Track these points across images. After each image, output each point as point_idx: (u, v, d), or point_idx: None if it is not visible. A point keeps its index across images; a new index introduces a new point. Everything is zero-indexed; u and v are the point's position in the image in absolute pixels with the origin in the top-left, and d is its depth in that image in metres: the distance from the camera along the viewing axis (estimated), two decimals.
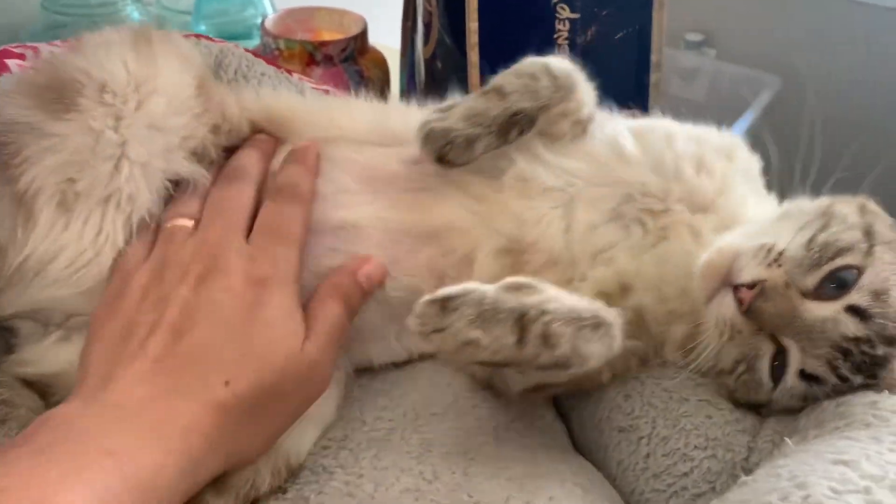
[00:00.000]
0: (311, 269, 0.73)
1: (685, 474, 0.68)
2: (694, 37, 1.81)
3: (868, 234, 0.68)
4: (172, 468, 0.56)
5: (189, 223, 0.72)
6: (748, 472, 0.66)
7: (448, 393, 0.75)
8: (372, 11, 1.34)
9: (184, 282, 0.66)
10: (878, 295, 0.65)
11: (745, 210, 0.76)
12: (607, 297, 0.73)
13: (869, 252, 0.67)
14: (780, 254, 0.67)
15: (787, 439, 0.65)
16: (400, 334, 0.78)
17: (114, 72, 0.73)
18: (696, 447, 0.69)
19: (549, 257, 0.75)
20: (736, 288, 0.67)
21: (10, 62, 0.84)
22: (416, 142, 0.74)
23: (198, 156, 0.77)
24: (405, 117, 0.82)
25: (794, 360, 0.66)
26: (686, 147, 0.77)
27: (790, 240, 0.67)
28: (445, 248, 0.76)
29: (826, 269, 0.66)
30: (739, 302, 0.66)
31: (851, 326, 0.65)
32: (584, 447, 0.77)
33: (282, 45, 1.24)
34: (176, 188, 0.75)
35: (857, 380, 0.66)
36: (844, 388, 0.66)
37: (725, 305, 0.68)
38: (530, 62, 0.77)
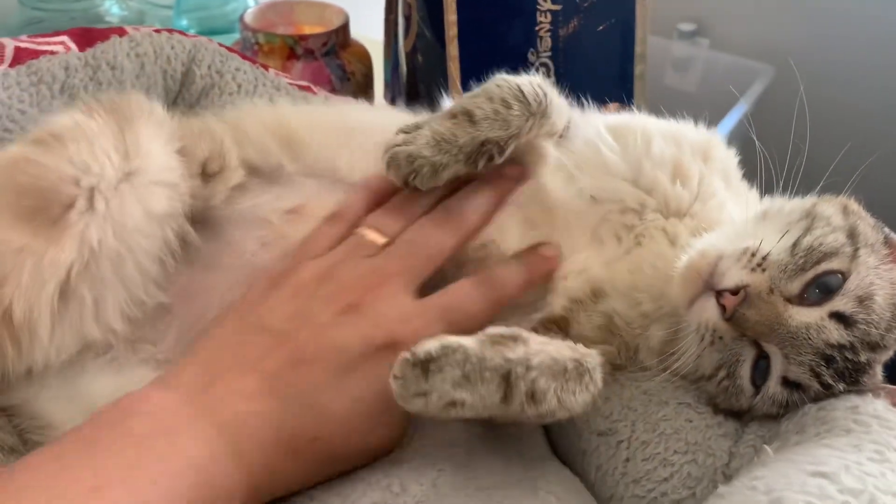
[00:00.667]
0: None
1: (665, 479, 0.66)
2: (687, 26, 1.79)
3: (852, 236, 0.67)
4: (239, 492, 0.57)
5: (380, 240, 0.70)
6: (729, 477, 0.64)
7: None
8: (356, 4, 1.32)
9: (332, 305, 0.65)
10: (862, 301, 0.64)
11: (722, 215, 0.74)
12: (578, 302, 0.72)
13: (854, 256, 0.65)
14: (764, 258, 0.65)
15: (766, 447, 0.63)
16: None
17: (103, 173, 0.68)
18: (676, 452, 0.67)
19: None
20: (718, 293, 0.65)
21: None
22: (381, 164, 0.71)
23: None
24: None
25: (777, 367, 0.65)
26: (663, 151, 0.75)
27: (774, 243, 0.65)
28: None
29: (810, 274, 0.64)
30: (722, 308, 0.64)
31: (835, 333, 0.63)
32: (563, 452, 0.75)
33: (261, 39, 1.22)
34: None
35: (840, 387, 0.64)
36: (827, 395, 0.65)
37: (707, 311, 0.66)
38: (502, 84, 0.72)
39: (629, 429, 0.69)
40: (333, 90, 1.19)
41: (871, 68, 1.64)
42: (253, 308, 0.67)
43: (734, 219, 0.73)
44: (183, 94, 0.89)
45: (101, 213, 0.67)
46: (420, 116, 0.77)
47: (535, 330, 0.70)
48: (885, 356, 0.67)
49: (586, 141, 0.76)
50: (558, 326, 0.72)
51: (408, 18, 1.11)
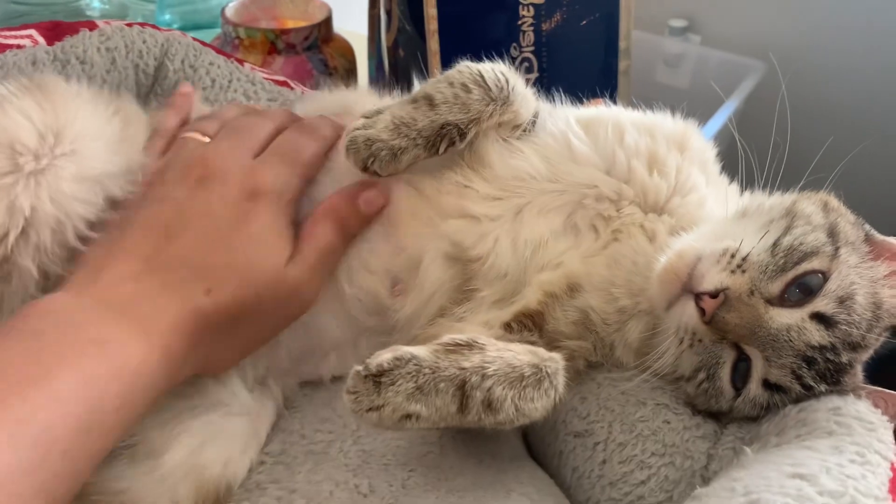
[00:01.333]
0: None
1: (642, 482, 0.65)
2: (678, 23, 1.78)
3: (833, 234, 0.65)
4: (155, 363, 0.58)
5: (204, 138, 0.73)
6: (707, 480, 0.63)
7: None
8: None
9: (183, 183, 0.68)
10: (843, 301, 0.63)
11: (702, 212, 0.73)
12: (554, 297, 0.70)
13: (834, 255, 0.64)
14: (744, 259, 0.63)
15: (746, 448, 0.61)
16: (357, 342, 0.75)
17: (21, 127, 0.66)
18: (653, 454, 0.65)
19: (497, 272, 0.72)
20: (698, 296, 0.63)
21: None
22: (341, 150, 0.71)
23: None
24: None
25: (758, 370, 0.63)
26: (637, 141, 0.73)
27: (754, 243, 0.64)
28: (395, 245, 0.73)
29: (791, 274, 0.63)
30: (701, 311, 0.63)
31: (816, 335, 0.62)
32: (539, 453, 0.74)
33: (242, 33, 1.20)
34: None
35: (821, 388, 0.63)
36: (808, 395, 0.63)
37: (687, 314, 0.64)
38: (464, 69, 0.72)
39: (606, 430, 0.68)
40: (316, 85, 1.17)
41: (862, 64, 1.63)
42: (116, 223, 0.68)
43: (713, 216, 0.72)
44: (155, 90, 0.88)
45: (30, 175, 0.65)
46: (383, 102, 0.77)
47: (509, 325, 0.70)
48: (866, 355, 0.66)
49: (554, 134, 0.74)
50: (533, 322, 0.70)
51: (389, 13, 1.10)
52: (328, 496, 0.63)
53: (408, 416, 0.58)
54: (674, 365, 0.66)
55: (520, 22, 1.02)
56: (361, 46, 1.32)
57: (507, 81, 0.71)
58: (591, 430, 0.69)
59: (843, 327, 0.62)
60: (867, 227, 0.69)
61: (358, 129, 0.69)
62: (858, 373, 0.66)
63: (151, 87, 0.88)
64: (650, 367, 0.66)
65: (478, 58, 0.86)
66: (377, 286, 0.73)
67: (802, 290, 0.63)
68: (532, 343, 0.68)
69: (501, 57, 0.98)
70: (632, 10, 1.03)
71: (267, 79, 0.93)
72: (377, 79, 1.28)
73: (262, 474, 0.67)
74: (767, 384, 0.64)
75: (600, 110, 0.78)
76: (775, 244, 0.64)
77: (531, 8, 1.01)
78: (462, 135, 0.70)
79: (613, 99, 1.06)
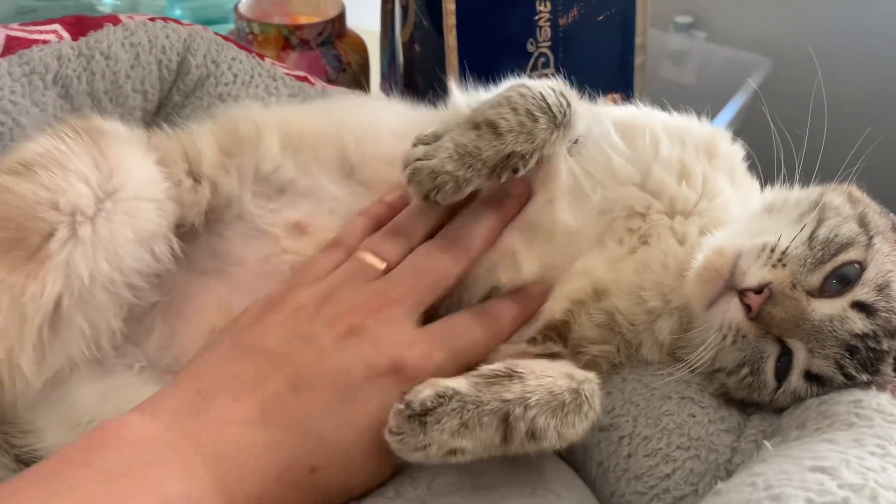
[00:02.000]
0: None
1: (667, 476, 0.65)
2: (683, 19, 1.78)
3: (864, 225, 0.66)
4: None
5: (380, 265, 0.68)
6: (731, 473, 0.64)
7: None
8: None
9: (334, 328, 0.62)
10: (882, 289, 0.64)
11: (727, 212, 0.73)
12: (580, 303, 0.71)
13: (869, 245, 0.65)
14: (784, 253, 0.64)
15: (766, 443, 0.62)
16: None
17: (81, 193, 0.65)
18: (678, 447, 0.66)
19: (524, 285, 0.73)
20: (742, 292, 0.64)
21: None
22: (401, 175, 0.68)
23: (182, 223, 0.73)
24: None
25: (800, 362, 0.64)
26: (671, 153, 0.73)
27: (792, 237, 0.65)
28: None
29: (829, 266, 0.64)
30: (747, 307, 0.63)
31: (859, 323, 0.63)
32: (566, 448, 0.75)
33: (256, 29, 1.20)
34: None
35: (863, 377, 0.64)
36: (848, 386, 0.64)
37: (731, 311, 0.64)
38: (525, 92, 0.69)
39: (631, 424, 0.69)
40: (329, 81, 1.17)
41: (869, 60, 1.63)
42: (248, 330, 0.64)
43: (738, 213, 0.73)
44: (178, 85, 0.88)
45: (88, 239, 0.64)
46: (436, 118, 0.75)
47: (535, 339, 0.70)
48: None
49: (596, 144, 0.74)
50: (558, 333, 0.71)
51: (405, 8, 1.10)
52: (356, 502, 0.63)
53: (453, 452, 0.58)
54: (712, 360, 0.67)
55: (537, 17, 1.02)
56: (373, 42, 1.33)
57: (568, 105, 0.70)
58: (616, 424, 0.69)
59: (884, 314, 0.63)
60: (893, 216, 0.71)
61: (420, 158, 0.67)
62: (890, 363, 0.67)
63: (174, 83, 0.88)
64: (687, 364, 0.67)
65: (495, 53, 0.87)
66: None
67: (840, 280, 0.64)
68: (556, 354, 0.69)
69: (518, 52, 0.99)
70: (648, 6, 1.04)
71: (288, 74, 0.93)
72: (389, 75, 1.28)
73: None
74: (809, 375, 0.64)
75: (635, 114, 0.78)
76: (811, 237, 0.65)
77: (548, 3, 1.02)
78: (525, 163, 0.68)
79: (629, 95, 1.07)
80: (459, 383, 0.59)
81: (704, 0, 1.78)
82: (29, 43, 0.79)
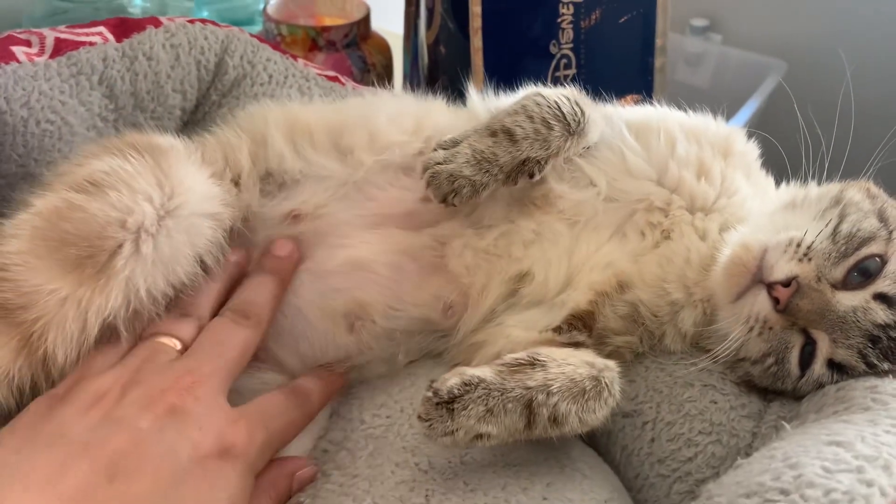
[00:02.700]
0: (319, 307, 0.74)
1: (689, 459, 0.68)
2: (699, 22, 1.79)
3: (884, 219, 0.69)
4: None
5: (177, 345, 0.66)
6: None
7: None
8: None
9: (150, 409, 0.57)
10: None
11: (746, 209, 0.76)
12: (605, 295, 0.73)
13: (889, 239, 0.67)
14: (809, 247, 0.66)
15: (785, 424, 0.65)
16: (408, 352, 0.78)
17: (145, 213, 0.67)
18: (700, 432, 0.69)
19: (545, 283, 0.75)
20: (770, 286, 0.66)
21: (17, 49, 0.82)
22: (420, 178, 0.72)
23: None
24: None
25: (822, 351, 0.67)
26: (688, 151, 0.76)
27: (816, 232, 0.67)
28: (447, 277, 0.76)
29: (852, 260, 0.66)
30: (775, 300, 0.66)
31: (881, 314, 0.65)
32: (587, 433, 0.77)
33: (284, 30, 1.23)
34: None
35: (884, 366, 0.66)
36: (870, 374, 0.66)
37: (759, 304, 0.67)
38: (541, 101, 0.73)
39: (654, 410, 0.71)
40: (354, 81, 1.20)
41: (884, 63, 1.64)
42: (38, 425, 0.57)
43: (757, 210, 0.75)
44: (216, 84, 0.91)
45: (149, 256, 0.66)
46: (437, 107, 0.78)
47: (560, 328, 0.73)
48: None
49: (609, 144, 0.77)
50: (583, 323, 0.73)
51: (431, 10, 1.13)
52: (390, 475, 0.65)
53: (479, 437, 0.61)
54: (738, 350, 0.69)
55: (559, 19, 1.05)
56: (396, 44, 1.36)
57: (582, 113, 0.73)
58: (639, 410, 0.72)
59: None
60: None
61: (439, 163, 0.70)
62: None
63: (211, 83, 0.91)
64: (713, 354, 0.69)
65: (519, 55, 0.89)
66: (428, 312, 0.76)
67: (862, 273, 0.66)
68: (581, 343, 0.72)
69: (541, 54, 1.02)
70: (668, 9, 1.06)
71: (320, 74, 0.96)
72: (412, 76, 1.31)
73: (327, 464, 0.69)
74: (832, 364, 0.67)
75: (648, 113, 0.81)
76: (835, 232, 0.67)
77: (571, 6, 1.04)
78: (540, 169, 0.72)
79: (649, 96, 1.09)
80: (484, 372, 0.62)
81: (720, 3, 1.78)
82: (76, 45, 0.82)
